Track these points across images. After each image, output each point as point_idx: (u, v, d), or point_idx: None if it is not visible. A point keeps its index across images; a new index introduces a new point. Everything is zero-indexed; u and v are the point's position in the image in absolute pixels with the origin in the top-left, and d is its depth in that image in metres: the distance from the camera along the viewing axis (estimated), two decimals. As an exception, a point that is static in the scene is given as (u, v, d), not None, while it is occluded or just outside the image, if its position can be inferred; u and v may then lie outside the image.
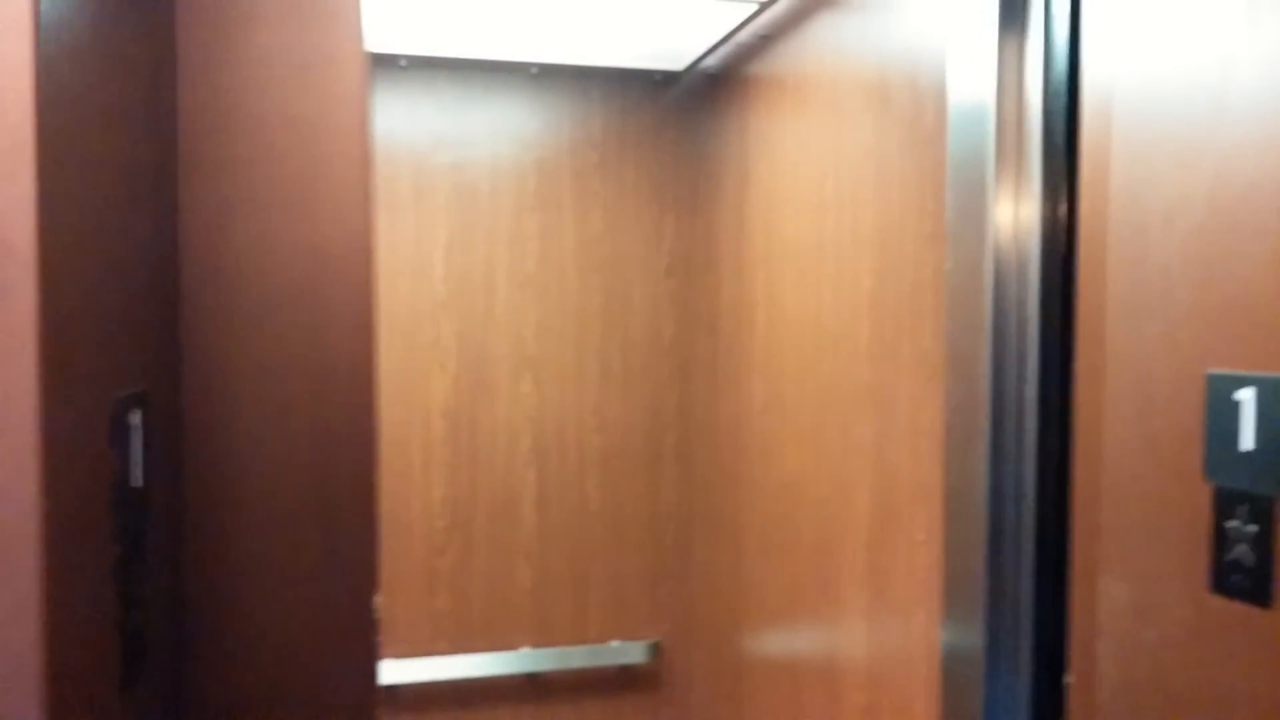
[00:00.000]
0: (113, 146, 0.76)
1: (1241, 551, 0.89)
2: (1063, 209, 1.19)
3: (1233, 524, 0.90)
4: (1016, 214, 1.24)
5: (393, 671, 2.36)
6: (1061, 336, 1.19)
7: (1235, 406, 0.90)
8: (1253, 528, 0.88)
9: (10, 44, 0.58)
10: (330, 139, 1.00)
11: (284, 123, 0.99)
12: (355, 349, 1.02)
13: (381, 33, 2.06)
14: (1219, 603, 0.92)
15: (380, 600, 1.07)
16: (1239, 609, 0.90)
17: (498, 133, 2.42)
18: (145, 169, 0.87)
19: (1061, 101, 1.19)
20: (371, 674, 1.07)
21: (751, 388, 2.15)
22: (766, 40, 2.03)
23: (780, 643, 2.01)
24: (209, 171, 0.97)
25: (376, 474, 1.05)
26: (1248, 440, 0.89)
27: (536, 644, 2.51)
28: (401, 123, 2.36)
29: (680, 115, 2.52)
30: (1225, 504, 0.91)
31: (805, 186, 1.86)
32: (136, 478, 0.83)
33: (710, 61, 2.30)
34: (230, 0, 0.98)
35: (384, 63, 2.25)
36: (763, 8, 1.89)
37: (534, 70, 2.39)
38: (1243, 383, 0.89)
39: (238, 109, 0.98)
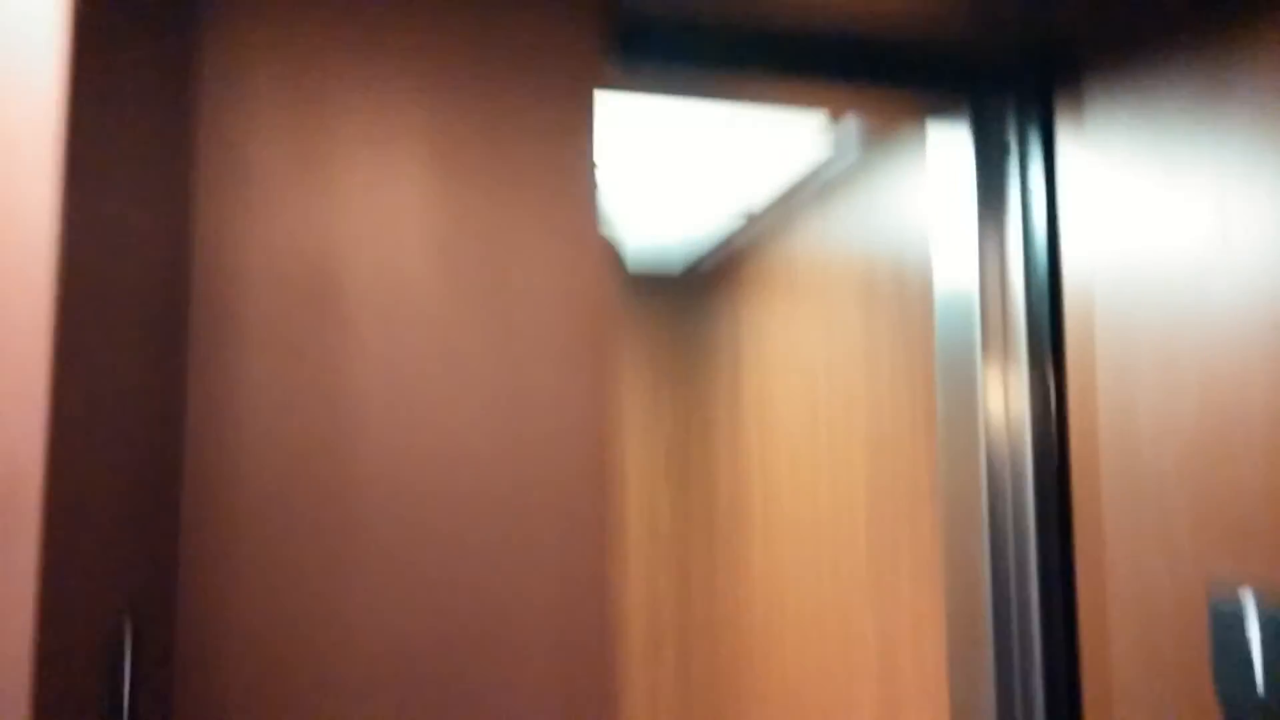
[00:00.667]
0: (124, 368, 0.78)
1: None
2: (1052, 401, 1.20)
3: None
4: (1007, 406, 1.24)
5: None
6: (1060, 535, 1.18)
7: (1240, 619, 0.89)
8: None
9: (31, 298, 0.61)
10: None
11: (302, 327, 1.01)
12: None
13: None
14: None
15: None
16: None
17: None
18: (153, 388, 0.88)
19: (1044, 290, 1.21)
20: None
21: (751, 588, 2.12)
22: (756, 242, 2.09)
23: None
24: (219, 381, 0.99)
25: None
26: (1255, 654, 0.87)
27: None
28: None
29: (676, 316, 2.59)
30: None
31: (798, 383, 1.88)
32: (125, 706, 0.82)
33: (704, 264, 2.38)
34: (246, 188, 1.00)
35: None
36: (751, 221, 1.96)
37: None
38: (1245, 593, 0.89)
39: (254, 313, 1.00)
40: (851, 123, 1.59)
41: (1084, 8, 1.14)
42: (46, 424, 0.61)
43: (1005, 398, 1.25)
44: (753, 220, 1.96)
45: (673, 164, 1.77)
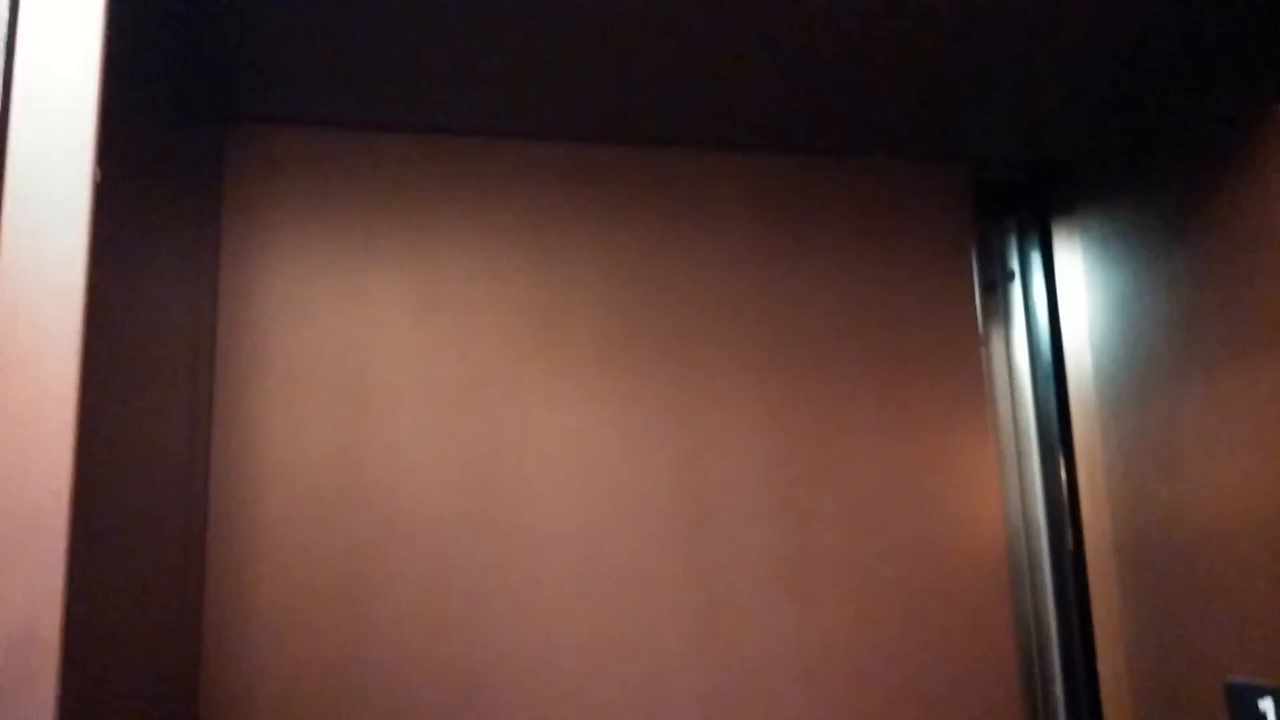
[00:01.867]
0: (142, 523, 0.79)
1: None
2: (1065, 496, 1.22)
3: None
4: (1023, 506, 1.25)
5: None
6: (1082, 632, 1.19)
7: (1263, 717, 0.88)
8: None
9: (51, 456, 0.63)
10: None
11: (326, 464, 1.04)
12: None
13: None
14: None
15: None
16: None
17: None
18: (174, 533, 0.90)
19: (1050, 391, 1.24)
20: None
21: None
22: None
23: None
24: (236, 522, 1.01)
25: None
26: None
27: None
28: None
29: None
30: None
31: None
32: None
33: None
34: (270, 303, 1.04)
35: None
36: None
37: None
38: (1263, 693, 0.88)
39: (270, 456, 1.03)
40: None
41: (1073, 136, 1.16)
42: (64, 585, 0.62)
43: (1021, 496, 1.25)
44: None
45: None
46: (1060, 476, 1.22)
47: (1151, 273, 1.06)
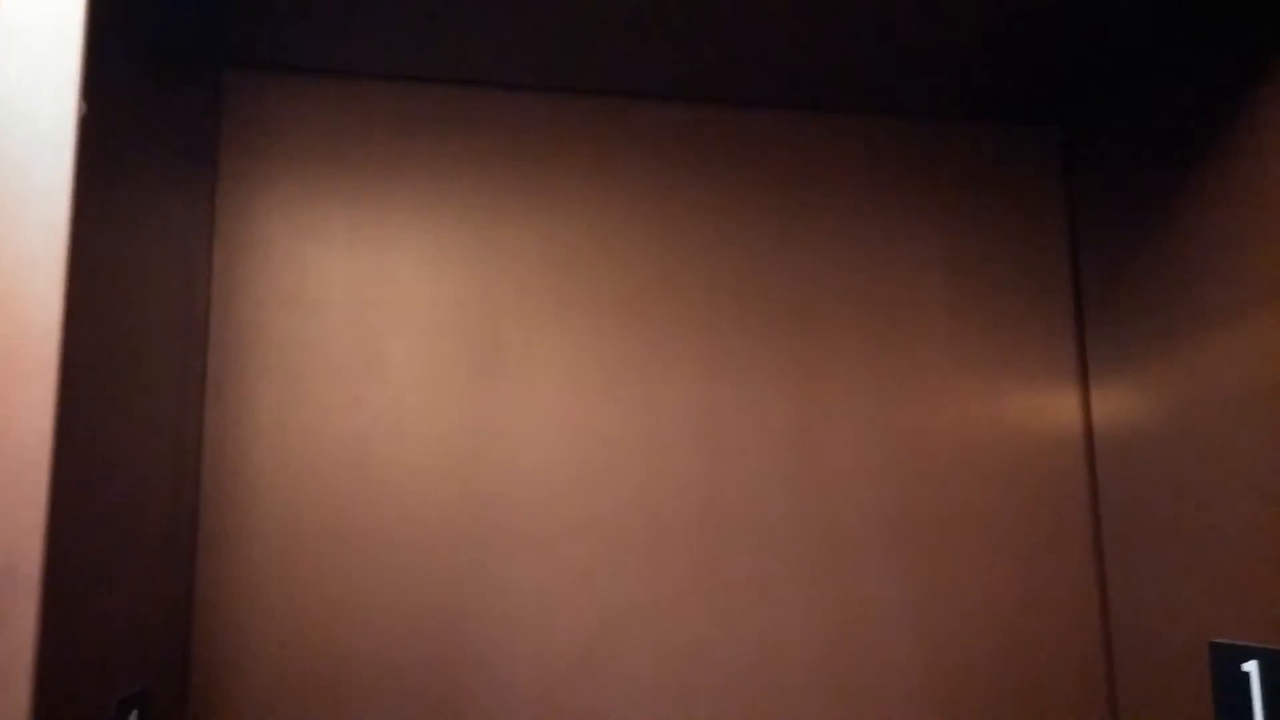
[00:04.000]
0: (129, 450, 0.80)
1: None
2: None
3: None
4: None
5: None
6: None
7: (1246, 678, 0.88)
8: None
9: (34, 391, 0.63)
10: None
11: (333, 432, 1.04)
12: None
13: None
14: None
15: None
16: None
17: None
18: (163, 475, 0.90)
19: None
20: None
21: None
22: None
23: None
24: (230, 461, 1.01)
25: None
26: (1259, 715, 0.87)
27: None
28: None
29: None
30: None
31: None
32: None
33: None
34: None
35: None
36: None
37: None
38: (1248, 655, 0.88)
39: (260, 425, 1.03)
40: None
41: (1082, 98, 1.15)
42: (46, 519, 0.62)
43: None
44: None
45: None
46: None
47: (1148, 229, 1.06)
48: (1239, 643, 0.90)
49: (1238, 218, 0.93)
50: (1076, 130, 1.20)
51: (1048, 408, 1.18)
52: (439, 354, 1.07)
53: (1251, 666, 0.88)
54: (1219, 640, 0.93)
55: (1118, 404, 1.11)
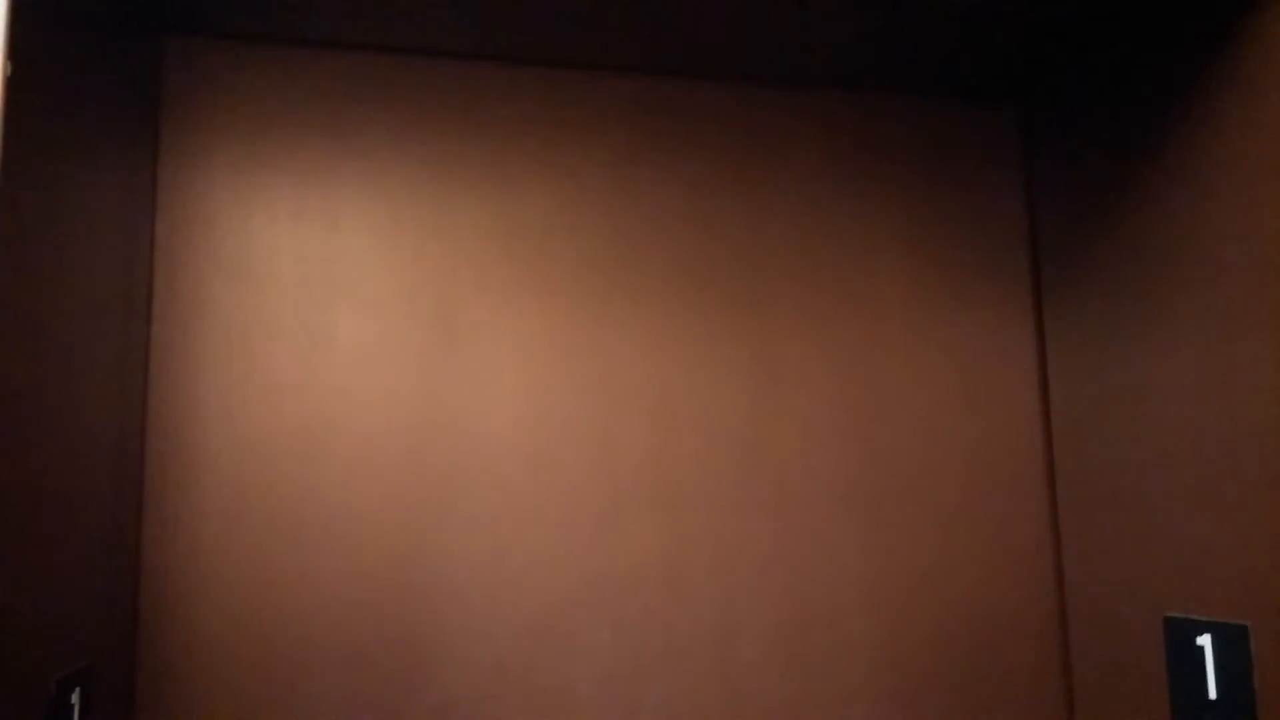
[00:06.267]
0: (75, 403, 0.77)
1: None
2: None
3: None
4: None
5: None
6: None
7: (1200, 651, 0.89)
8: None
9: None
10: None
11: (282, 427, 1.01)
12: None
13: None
14: None
15: None
16: None
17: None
18: (104, 461, 0.88)
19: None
20: None
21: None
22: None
23: None
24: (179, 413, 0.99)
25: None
26: (1212, 689, 0.87)
27: None
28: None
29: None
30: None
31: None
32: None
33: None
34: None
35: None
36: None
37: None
38: (1201, 628, 0.89)
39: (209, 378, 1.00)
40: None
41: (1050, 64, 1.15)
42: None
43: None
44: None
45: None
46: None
47: (1106, 206, 1.05)
48: (1193, 616, 0.91)
49: (1195, 194, 0.93)
50: (1035, 107, 1.20)
51: (1005, 383, 1.18)
52: (390, 329, 1.05)
53: (1205, 640, 0.88)
54: (1173, 614, 0.93)
55: (1074, 379, 1.11)
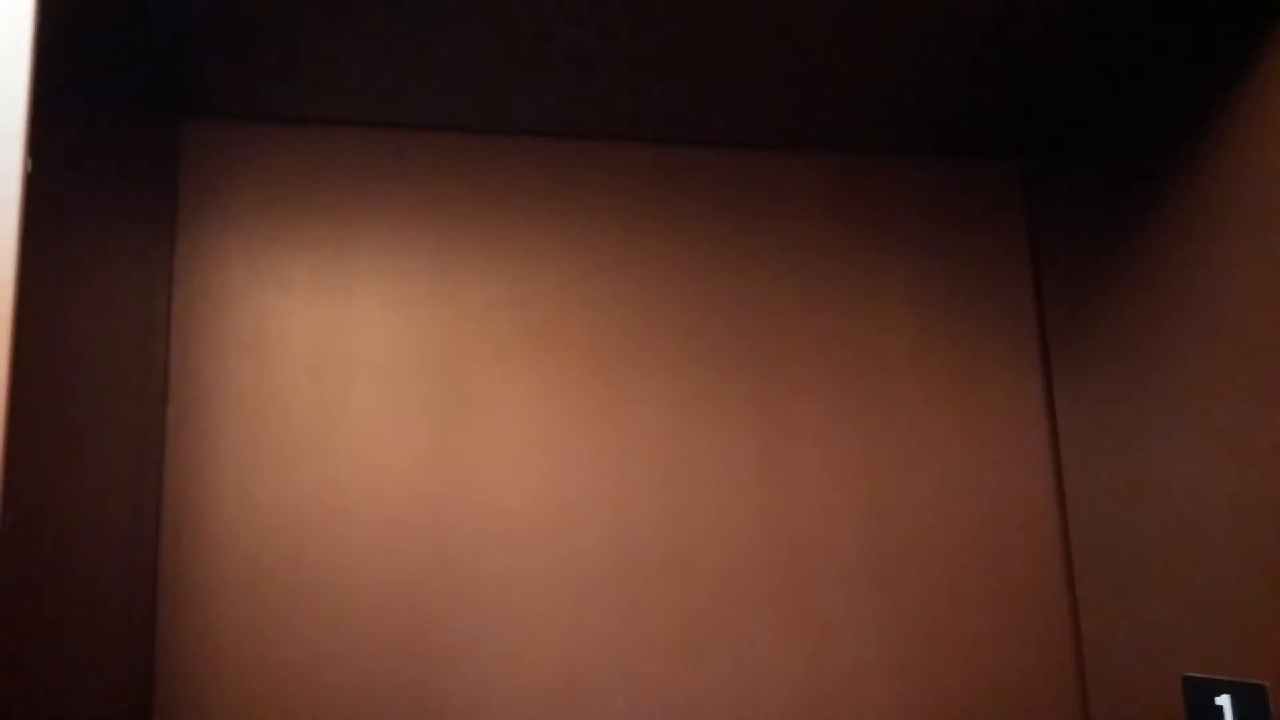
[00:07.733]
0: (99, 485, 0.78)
1: None
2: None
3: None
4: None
5: None
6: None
7: (1219, 711, 0.88)
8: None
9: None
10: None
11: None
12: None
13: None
14: None
15: None
16: None
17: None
18: (122, 556, 0.88)
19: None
20: None
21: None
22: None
23: None
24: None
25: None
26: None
27: None
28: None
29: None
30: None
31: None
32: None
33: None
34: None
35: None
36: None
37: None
38: (1220, 688, 0.88)
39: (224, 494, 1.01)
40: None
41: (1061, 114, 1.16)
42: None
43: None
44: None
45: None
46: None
47: (1111, 260, 1.06)
48: (1212, 676, 0.90)
49: (1200, 246, 0.94)
50: (1036, 161, 1.21)
51: (1016, 440, 1.18)
52: (403, 401, 1.06)
53: (1224, 700, 0.87)
54: (1191, 674, 0.93)
55: (1085, 435, 1.11)
